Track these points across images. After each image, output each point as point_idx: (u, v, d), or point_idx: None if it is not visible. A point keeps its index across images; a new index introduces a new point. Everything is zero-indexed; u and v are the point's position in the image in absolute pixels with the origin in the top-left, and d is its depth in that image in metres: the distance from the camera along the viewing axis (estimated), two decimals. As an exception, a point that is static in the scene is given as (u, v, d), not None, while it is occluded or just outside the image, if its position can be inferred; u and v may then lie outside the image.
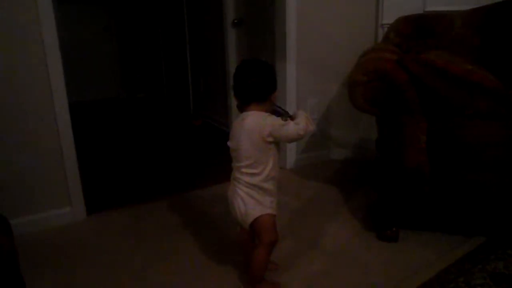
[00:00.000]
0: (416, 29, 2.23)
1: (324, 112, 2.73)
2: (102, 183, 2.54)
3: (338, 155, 2.83)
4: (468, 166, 1.63)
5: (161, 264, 1.67)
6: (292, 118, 1.39)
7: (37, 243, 1.83)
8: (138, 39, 5.34)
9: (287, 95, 2.57)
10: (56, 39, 1.82)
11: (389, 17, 2.46)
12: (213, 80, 3.77)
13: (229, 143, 1.42)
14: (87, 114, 4.43)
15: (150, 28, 5.16)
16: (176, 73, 4.65)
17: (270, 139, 1.35)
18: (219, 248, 1.75)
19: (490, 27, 2.12)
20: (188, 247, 1.78)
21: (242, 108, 1.40)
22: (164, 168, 2.82)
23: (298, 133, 1.34)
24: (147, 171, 2.78)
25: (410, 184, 1.69)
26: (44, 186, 1.93)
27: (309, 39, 2.57)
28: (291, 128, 1.34)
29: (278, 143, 1.39)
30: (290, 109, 2.49)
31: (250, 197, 1.37)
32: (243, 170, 1.36)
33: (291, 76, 2.57)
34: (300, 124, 1.35)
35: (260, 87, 1.36)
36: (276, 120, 1.36)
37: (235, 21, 3.16)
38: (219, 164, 2.63)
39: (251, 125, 1.34)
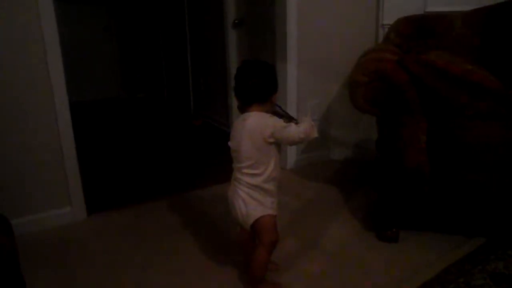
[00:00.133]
0: (416, 30, 2.23)
1: (324, 113, 2.73)
2: (102, 183, 2.54)
3: (338, 155, 2.83)
4: (468, 167, 1.63)
5: (161, 264, 1.67)
6: (295, 121, 1.39)
7: (38, 243, 1.83)
8: (138, 39, 5.33)
9: (288, 96, 2.57)
10: (57, 38, 1.82)
11: (389, 18, 2.46)
12: (214, 80, 3.77)
13: (230, 144, 1.41)
14: (87, 114, 4.43)
15: (151, 28, 5.15)
16: (177, 73, 4.65)
17: (272, 140, 1.34)
18: (219, 248, 1.75)
19: (490, 27, 2.13)
20: (188, 247, 1.78)
21: (243, 108, 1.39)
22: (164, 168, 2.82)
23: (299, 136, 1.34)
24: (148, 171, 2.78)
25: (410, 184, 1.69)
26: (45, 186, 1.93)
27: (310, 39, 2.57)
28: (293, 130, 1.34)
29: (279, 144, 1.39)
30: (291, 109, 2.50)
31: (251, 197, 1.37)
32: (244, 170, 1.36)
33: (292, 76, 2.57)
34: (301, 127, 1.34)
35: (261, 88, 1.36)
36: (278, 122, 1.36)
37: (236, 21, 3.16)
38: (219, 164, 2.63)
39: (253, 125, 1.34)
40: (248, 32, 3.16)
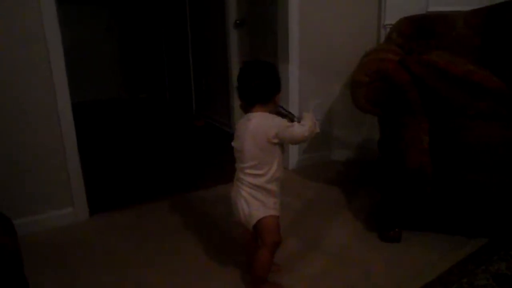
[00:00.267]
0: (418, 30, 2.22)
1: (326, 113, 2.73)
2: (104, 183, 2.54)
3: (340, 155, 2.83)
4: (470, 167, 1.62)
5: (163, 264, 1.67)
6: (297, 119, 1.39)
7: (40, 244, 1.83)
8: (140, 39, 5.33)
9: (290, 96, 2.57)
10: (59, 38, 1.82)
11: (391, 18, 2.46)
12: (215, 81, 3.77)
13: (233, 144, 1.41)
14: (89, 115, 4.43)
15: (152, 28, 5.16)
16: (178, 73, 4.65)
17: (276, 140, 1.34)
18: (221, 249, 1.75)
19: (491, 27, 2.13)
20: (190, 247, 1.78)
21: (247, 108, 1.40)
22: (166, 169, 2.82)
23: (304, 135, 1.34)
24: (149, 172, 2.78)
25: (413, 185, 1.68)
26: (47, 186, 1.93)
27: (312, 40, 2.57)
28: (297, 129, 1.34)
29: (282, 144, 1.39)
30: (293, 109, 2.49)
31: (254, 198, 1.36)
32: (247, 171, 1.36)
33: (294, 76, 2.57)
34: (305, 126, 1.35)
35: (264, 89, 1.36)
36: (282, 122, 1.36)
37: (237, 21, 3.17)
38: (221, 165, 2.65)
39: (257, 126, 1.34)
40: (249, 33, 3.16)
